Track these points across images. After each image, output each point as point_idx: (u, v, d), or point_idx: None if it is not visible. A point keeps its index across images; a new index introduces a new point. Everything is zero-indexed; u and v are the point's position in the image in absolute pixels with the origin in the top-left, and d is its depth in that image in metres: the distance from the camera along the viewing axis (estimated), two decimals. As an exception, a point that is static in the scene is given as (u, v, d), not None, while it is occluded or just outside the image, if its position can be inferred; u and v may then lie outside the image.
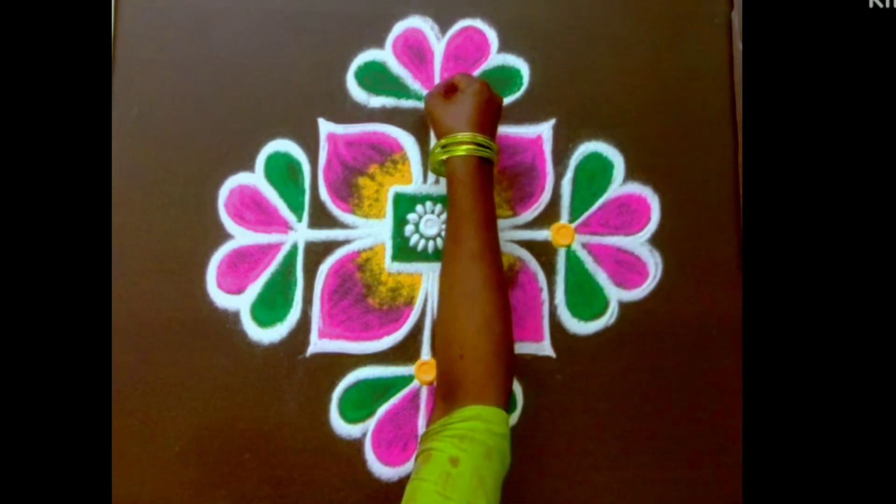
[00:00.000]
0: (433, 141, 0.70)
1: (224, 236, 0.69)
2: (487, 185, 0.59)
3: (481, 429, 0.50)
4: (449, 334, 0.55)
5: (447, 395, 0.54)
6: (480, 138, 0.59)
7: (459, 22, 0.72)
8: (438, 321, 0.58)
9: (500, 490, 0.50)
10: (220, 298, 0.68)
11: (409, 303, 0.68)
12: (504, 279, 0.58)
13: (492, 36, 0.72)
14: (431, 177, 0.70)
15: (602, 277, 0.69)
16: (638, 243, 0.69)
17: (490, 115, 0.61)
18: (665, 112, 0.72)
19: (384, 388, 0.67)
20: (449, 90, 0.63)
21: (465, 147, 0.58)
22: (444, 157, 0.60)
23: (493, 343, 0.54)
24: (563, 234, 0.69)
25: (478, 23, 0.72)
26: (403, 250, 0.69)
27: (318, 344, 0.67)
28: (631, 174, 0.70)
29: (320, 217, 0.69)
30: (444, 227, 0.69)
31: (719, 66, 0.72)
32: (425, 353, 0.67)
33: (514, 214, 0.70)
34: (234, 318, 0.67)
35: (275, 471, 0.65)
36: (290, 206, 0.69)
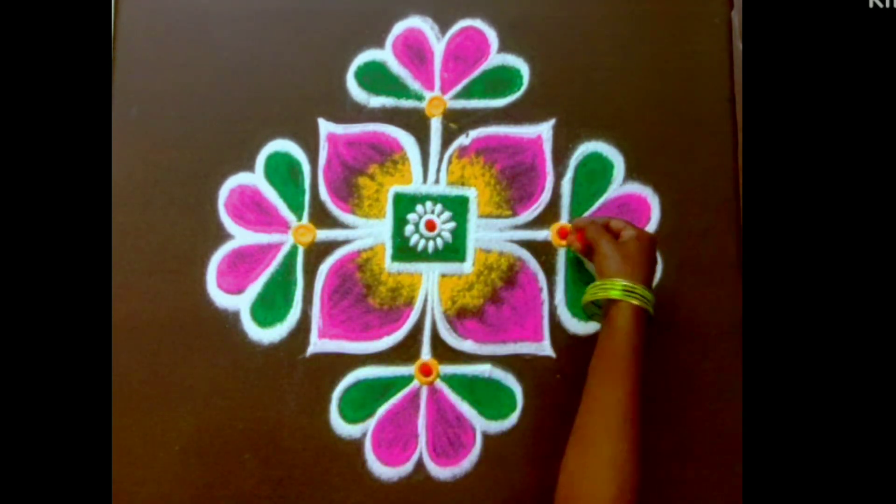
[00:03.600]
0: (434, 144, 0.70)
1: (224, 236, 0.69)
2: (644, 338, 0.57)
3: None
4: (582, 495, 0.52)
5: None
6: (650, 296, 0.57)
7: (459, 22, 0.72)
8: (568, 475, 0.54)
9: None
10: (220, 298, 0.68)
11: (409, 303, 0.68)
12: (639, 451, 0.54)
13: (492, 36, 0.72)
14: (431, 177, 0.70)
15: (602, 277, 0.69)
16: (638, 243, 0.69)
17: (652, 270, 0.59)
18: (665, 112, 0.71)
19: (384, 388, 0.67)
20: (611, 230, 0.62)
21: (640, 299, 0.56)
22: (620, 297, 0.56)
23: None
24: (563, 234, 0.69)
25: (478, 23, 0.72)
26: (403, 250, 0.69)
27: (318, 344, 0.67)
28: (631, 174, 0.70)
29: (320, 217, 0.69)
30: (444, 227, 0.69)
31: (719, 66, 0.72)
32: (425, 353, 0.67)
33: (514, 214, 0.70)
34: (234, 318, 0.67)
35: (275, 471, 0.65)
36: (290, 207, 0.69)
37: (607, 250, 0.59)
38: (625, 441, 0.53)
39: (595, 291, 0.58)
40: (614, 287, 0.56)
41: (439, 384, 0.67)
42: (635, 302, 0.56)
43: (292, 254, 0.69)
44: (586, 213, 0.70)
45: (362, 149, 0.70)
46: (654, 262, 0.60)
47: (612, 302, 0.57)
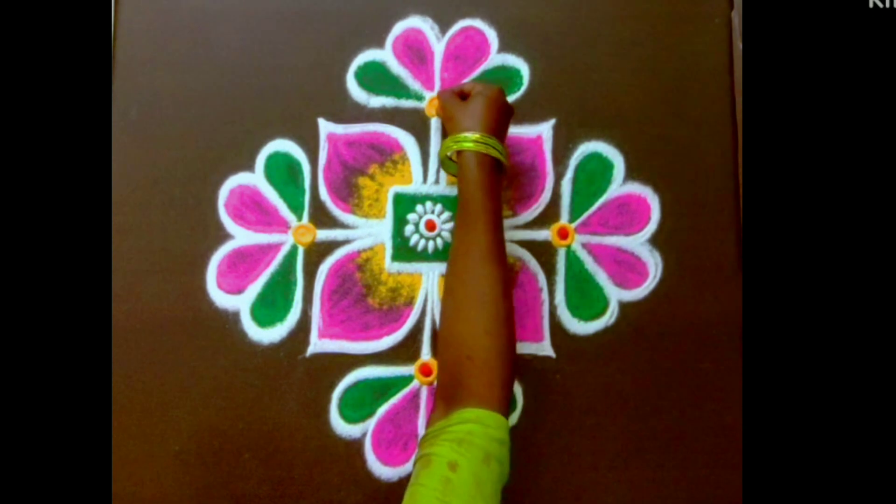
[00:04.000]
0: (434, 144, 0.70)
1: (224, 236, 0.69)
2: (498, 186, 0.60)
3: (480, 433, 0.50)
4: (456, 334, 0.55)
5: (448, 396, 0.53)
6: (493, 141, 0.59)
7: (459, 22, 0.72)
8: (444, 321, 0.57)
9: (499, 496, 0.50)
10: (220, 298, 0.68)
11: (409, 303, 0.68)
12: (511, 284, 0.58)
13: (492, 36, 0.72)
14: (431, 177, 0.70)
15: (602, 277, 0.69)
16: (638, 243, 0.69)
17: (504, 121, 0.63)
18: (665, 112, 0.72)
19: (384, 388, 0.67)
20: (462, 95, 0.64)
21: (479, 144, 0.59)
22: (456, 148, 0.60)
23: (501, 346, 0.54)
24: (563, 234, 0.69)
25: (478, 23, 0.72)
26: (403, 250, 0.69)
27: (318, 344, 0.67)
28: (631, 174, 0.70)
29: (320, 217, 0.69)
30: (444, 227, 0.69)
31: (719, 66, 0.72)
32: (425, 353, 0.67)
33: (514, 214, 0.70)
34: (234, 318, 0.67)
35: (275, 471, 0.65)
36: (290, 206, 0.69)
37: (453, 111, 0.62)
38: (487, 277, 0.55)
39: (448, 146, 0.61)
40: (465, 140, 0.59)
41: (439, 384, 0.67)
42: (482, 150, 0.59)
43: (292, 254, 0.69)
44: (586, 213, 0.70)
45: (362, 149, 0.70)
46: (503, 112, 0.62)
47: (460, 154, 0.60)
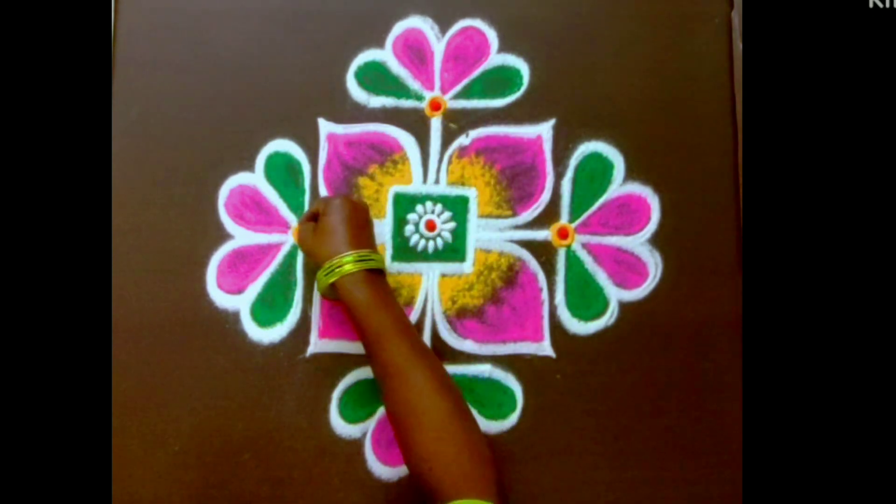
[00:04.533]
0: (434, 144, 0.70)
1: (224, 236, 0.69)
2: (388, 293, 0.58)
3: None
4: (411, 451, 0.53)
5: (431, 498, 0.51)
6: (363, 253, 0.57)
7: (459, 22, 0.72)
8: (397, 440, 0.55)
9: None
10: (220, 298, 0.68)
11: (409, 303, 0.68)
12: (446, 378, 0.55)
13: (492, 36, 0.72)
14: (431, 177, 0.70)
15: (602, 277, 0.69)
16: (638, 243, 0.69)
17: (361, 225, 0.60)
18: (665, 112, 0.71)
19: (384, 388, 0.67)
20: (313, 218, 0.62)
21: (348, 266, 0.56)
22: (332, 280, 0.57)
23: (457, 444, 0.52)
24: (563, 234, 0.69)
25: (478, 23, 0.72)
26: (403, 250, 0.69)
27: (318, 344, 0.67)
28: (631, 174, 0.70)
29: (320, 217, 0.69)
30: (444, 227, 0.69)
31: (719, 66, 0.72)
32: (425, 353, 0.67)
33: (514, 214, 0.70)
34: (234, 318, 0.67)
35: (275, 471, 0.65)
36: (290, 206, 0.69)
37: (309, 244, 0.60)
38: (414, 387, 0.53)
39: (323, 280, 0.57)
40: (336, 266, 0.56)
41: (439, 384, 0.67)
42: (357, 268, 0.56)
43: (292, 254, 0.69)
44: (586, 213, 0.70)
45: (362, 149, 0.70)
46: (357, 216, 0.59)
47: (337, 283, 0.57)
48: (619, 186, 0.70)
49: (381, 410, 0.66)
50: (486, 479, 0.51)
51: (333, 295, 0.59)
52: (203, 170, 0.69)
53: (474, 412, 0.66)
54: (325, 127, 0.70)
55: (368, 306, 0.56)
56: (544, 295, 0.68)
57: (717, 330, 0.68)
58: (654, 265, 0.69)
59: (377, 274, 0.58)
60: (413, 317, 0.68)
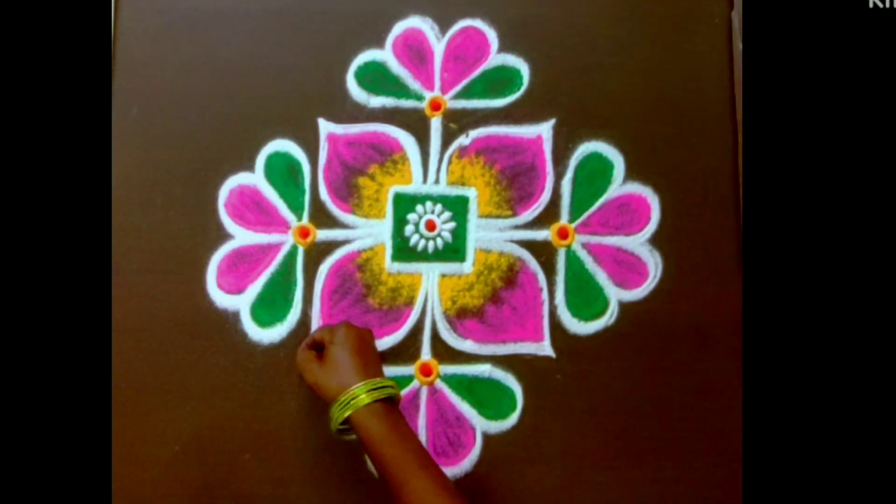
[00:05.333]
0: (434, 144, 0.70)
1: (224, 236, 0.69)
2: (403, 423, 0.56)
3: None
4: None
5: None
6: (375, 382, 0.56)
7: (459, 22, 0.72)
8: None
9: None
10: (220, 298, 0.68)
11: (409, 303, 0.68)
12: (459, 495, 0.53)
13: (492, 36, 0.72)
14: (431, 177, 0.70)
15: (602, 277, 0.69)
16: (638, 243, 0.69)
17: (369, 354, 0.59)
18: (665, 112, 0.71)
19: (384, 388, 0.67)
20: (316, 347, 0.61)
21: (363, 398, 0.54)
22: (347, 413, 0.54)
23: None
24: (563, 234, 0.69)
25: (478, 23, 0.72)
26: (403, 250, 0.69)
27: (318, 344, 0.67)
28: (631, 174, 0.70)
29: (320, 217, 0.69)
30: (444, 227, 0.69)
31: (719, 66, 0.72)
32: (425, 353, 0.67)
33: (514, 214, 0.70)
34: (234, 318, 0.67)
35: (275, 471, 0.65)
36: (290, 206, 0.69)
37: (317, 377, 0.57)
38: None
39: (337, 416, 0.55)
40: (350, 399, 0.55)
41: (439, 384, 0.67)
42: (373, 398, 0.54)
43: (292, 254, 0.69)
44: (586, 213, 0.70)
45: (362, 149, 0.70)
46: (362, 344, 0.58)
47: (352, 417, 0.55)
48: (619, 186, 0.70)
49: (381, 410, 0.66)
50: None
51: (348, 435, 0.58)
52: (203, 170, 0.69)
53: (474, 412, 0.67)
54: (325, 127, 0.70)
55: (389, 440, 0.54)
56: (544, 295, 0.68)
57: (717, 330, 0.68)
58: (654, 265, 0.69)
59: (391, 404, 0.56)
60: (413, 317, 0.68)
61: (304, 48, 0.72)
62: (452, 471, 0.66)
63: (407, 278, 0.69)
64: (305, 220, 0.69)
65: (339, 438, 0.62)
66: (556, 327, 0.68)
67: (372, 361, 0.58)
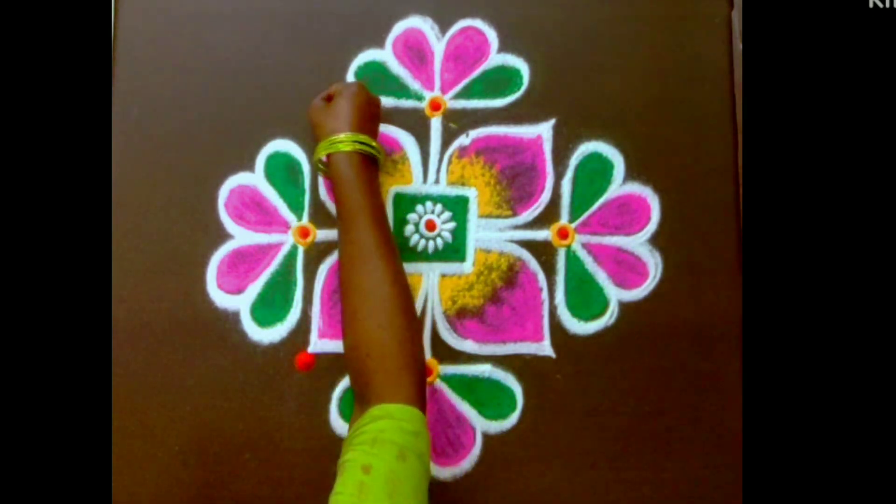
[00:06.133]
0: (434, 144, 0.70)
1: (224, 236, 0.69)
2: (374, 181, 0.61)
3: (391, 428, 0.49)
4: (353, 334, 0.55)
5: (360, 397, 0.54)
6: (361, 137, 0.60)
7: (459, 22, 0.72)
8: (342, 322, 0.57)
9: (424, 493, 0.49)
10: (220, 298, 0.68)
11: (409, 303, 0.68)
12: (402, 274, 0.58)
13: (492, 36, 0.72)
14: (431, 177, 0.70)
15: (602, 277, 0.69)
16: (638, 243, 0.69)
17: (369, 115, 0.63)
18: (665, 112, 0.71)
19: (384, 388, 0.67)
20: (329, 98, 0.65)
21: (346, 144, 0.60)
22: (325, 152, 0.60)
23: (398, 338, 0.54)
24: (563, 234, 0.69)
25: (478, 23, 0.72)
26: (403, 250, 0.69)
27: (318, 344, 0.67)
28: (631, 174, 0.70)
29: (320, 217, 0.69)
30: (444, 227, 0.69)
31: (719, 66, 0.72)
32: (425, 353, 0.67)
33: (514, 214, 0.70)
34: (234, 318, 0.67)
35: (275, 471, 0.65)
36: (290, 206, 0.69)
37: (317, 117, 0.63)
38: (372, 273, 0.56)
39: (319, 150, 0.61)
40: (334, 142, 0.60)
41: (439, 384, 0.67)
42: (352, 149, 0.60)
43: (292, 254, 0.69)
44: (586, 213, 0.70)
45: (362, 149, 0.70)
46: (367, 106, 0.63)
47: (331, 157, 0.60)
48: (619, 186, 0.70)
49: (381, 410, 0.66)
50: (415, 385, 0.53)
51: (325, 171, 0.63)
52: (203, 170, 0.69)
53: (474, 412, 0.67)
54: (325, 127, 0.70)
55: (352, 185, 0.59)
56: (544, 295, 0.68)
57: (717, 330, 0.68)
58: (654, 265, 0.69)
59: (370, 162, 0.61)
60: (413, 317, 0.68)
61: (304, 48, 0.72)
62: (452, 471, 0.66)
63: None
64: (305, 220, 0.69)
65: (316, 169, 0.66)
66: (556, 327, 0.68)
67: (368, 122, 0.63)
